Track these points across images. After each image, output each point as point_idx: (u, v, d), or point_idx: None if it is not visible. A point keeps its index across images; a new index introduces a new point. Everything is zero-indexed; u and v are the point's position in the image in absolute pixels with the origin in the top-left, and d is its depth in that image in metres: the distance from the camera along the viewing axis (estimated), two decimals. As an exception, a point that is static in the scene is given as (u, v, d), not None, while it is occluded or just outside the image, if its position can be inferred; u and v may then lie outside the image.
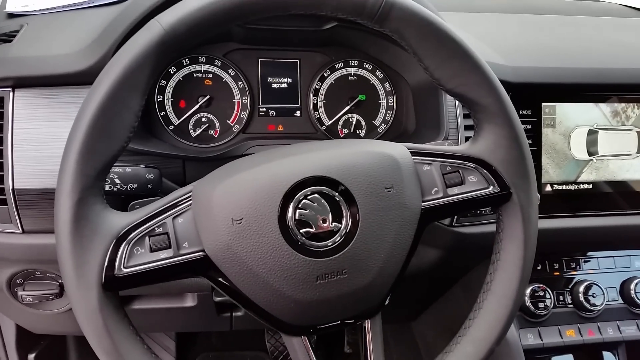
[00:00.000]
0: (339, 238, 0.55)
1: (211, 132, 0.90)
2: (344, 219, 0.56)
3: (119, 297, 0.54)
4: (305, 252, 0.54)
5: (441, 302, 1.12)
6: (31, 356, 1.11)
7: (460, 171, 0.62)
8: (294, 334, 0.59)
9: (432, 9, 0.73)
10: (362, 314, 0.60)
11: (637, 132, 0.96)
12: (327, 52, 0.92)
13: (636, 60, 0.97)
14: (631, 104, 0.95)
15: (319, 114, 0.93)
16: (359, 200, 0.56)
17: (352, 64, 0.93)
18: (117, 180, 0.67)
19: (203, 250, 0.54)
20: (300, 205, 0.55)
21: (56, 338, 1.20)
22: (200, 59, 0.88)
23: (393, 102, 0.94)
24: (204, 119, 0.89)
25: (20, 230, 0.74)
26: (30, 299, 0.81)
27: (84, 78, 0.72)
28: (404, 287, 0.62)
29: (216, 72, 0.89)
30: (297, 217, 0.54)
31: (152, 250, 0.53)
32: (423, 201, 0.60)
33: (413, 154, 0.61)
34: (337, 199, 0.56)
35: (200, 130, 0.89)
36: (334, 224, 0.55)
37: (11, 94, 0.73)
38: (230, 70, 0.89)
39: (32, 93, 0.73)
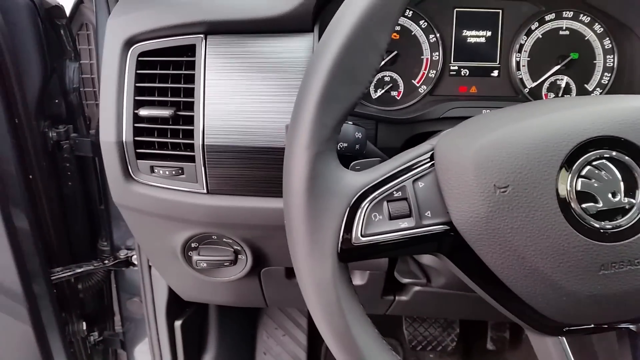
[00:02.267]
0: (633, 217, 0.43)
1: (393, 93, 0.79)
2: None
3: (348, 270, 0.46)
4: (588, 234, 0.42)
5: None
6: (177, 323, 1.11)
7: None
8: (549, 332, 0.48)
9: None
10: None
11: None
12: (536, 1, 0.78)
13: None
14: None
15: (521, 74, 0.79)
16: None
17: (566, 16, 0.78)
18: (329, 138, 0.58)
19: (449, 223, 0.45)
20: (583, 173, 0.43)
21: (200, 307, 1.19)
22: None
23: (613, 62, 0.78)
24: (386, 79, 0.79)
25: (205, 191, 0.69)
26: (205, 265, 0.76)
27: (281, 25, 0.65)
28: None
29: (405, 25, 0.78)
30: (579, 189, 0.43)
31: (391, 218, 0.45)
32: None
33: None
34: (632, 168, 0.43)
35: (382, 92, 0.79)
36: (626, 199, 0.43)
37: (203, 41, 0.67)
38: (421, 22, 0.77)
39: (224, 40, 0.67)
